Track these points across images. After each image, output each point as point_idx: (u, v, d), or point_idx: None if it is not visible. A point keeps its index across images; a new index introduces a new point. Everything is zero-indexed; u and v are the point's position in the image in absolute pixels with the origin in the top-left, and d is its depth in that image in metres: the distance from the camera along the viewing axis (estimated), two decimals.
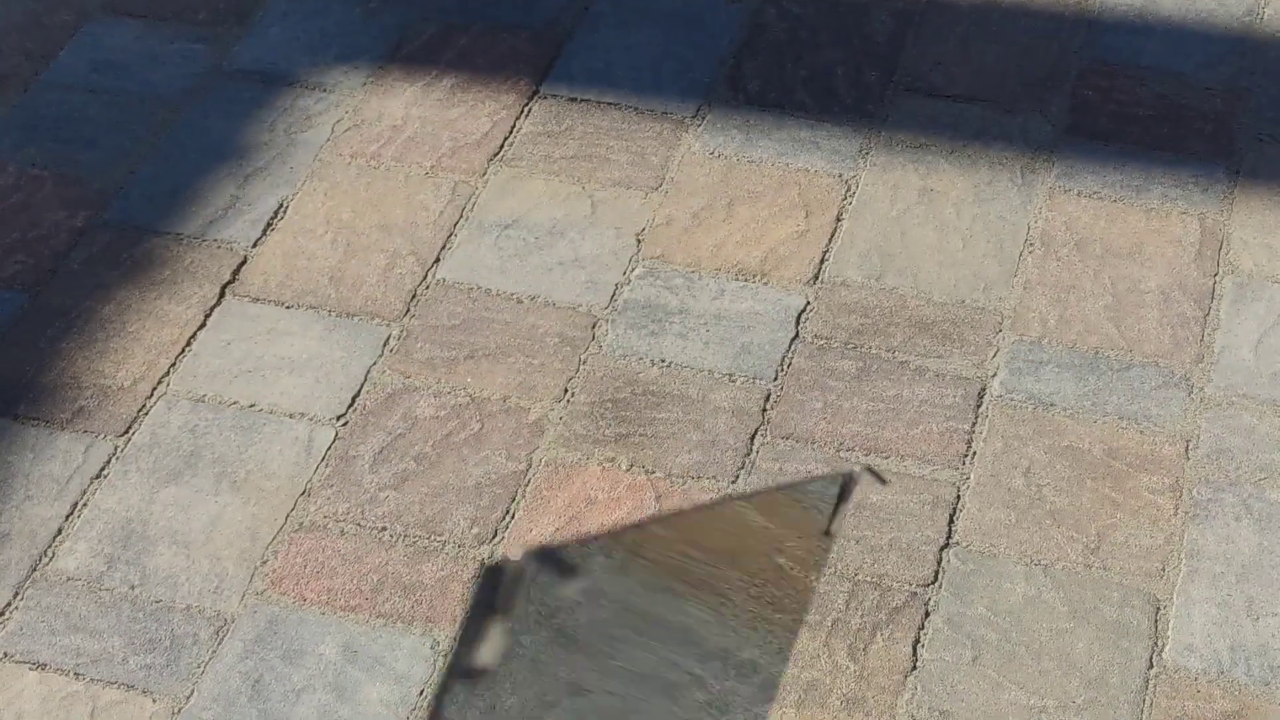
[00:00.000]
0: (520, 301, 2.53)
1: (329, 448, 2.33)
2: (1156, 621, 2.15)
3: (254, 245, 2.62)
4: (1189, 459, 2.32)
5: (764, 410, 2.37)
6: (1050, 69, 2.87)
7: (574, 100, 2.84)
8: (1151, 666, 2.11)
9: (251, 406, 2.39)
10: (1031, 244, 2.60)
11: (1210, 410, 2.38)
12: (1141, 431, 2.35)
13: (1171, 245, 2.60)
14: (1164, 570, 2.20)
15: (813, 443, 2.33)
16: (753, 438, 2.34)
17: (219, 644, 2.13)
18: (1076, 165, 2.72)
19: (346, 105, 2.83)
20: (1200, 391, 2.40)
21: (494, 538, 2.23)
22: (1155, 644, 2.13)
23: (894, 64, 2.89)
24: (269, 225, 2.65)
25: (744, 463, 2.31)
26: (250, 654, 2.12)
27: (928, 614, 2.15)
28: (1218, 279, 2.55)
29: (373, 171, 2.73)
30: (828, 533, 0.90)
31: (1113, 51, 2.90)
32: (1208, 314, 2.50)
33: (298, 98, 2.85)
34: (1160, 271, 2.56)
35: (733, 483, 2.29)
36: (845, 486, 0.91)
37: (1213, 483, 2.29)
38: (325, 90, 2.86)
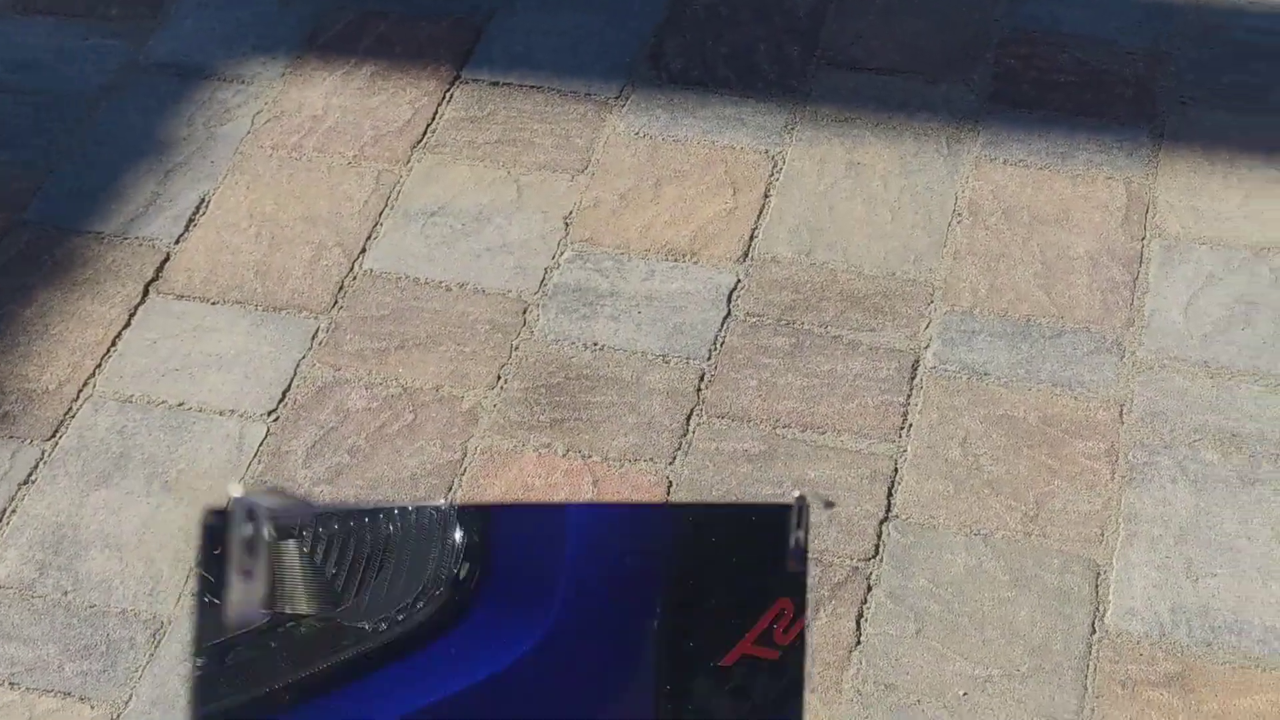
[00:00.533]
0: (449, 289, 2.50)
1: (261, 444, 2.31)
2: (1097, 586, 2.15)
3: (177, 242, 2.58)
4: (1123, 423, 2.33)
5: (699, 390, 2.36)
6: (971, 38, 2.87)
7: (496, 85, 2.81)
8: (1094, 632, 2.11)
9: (180, 405, 2.36)
10: (959, 214, 2.60)
11: (1142, 374, 2.39)
12: (1075, 398, 2.36)
13: (1098, 210, 2.60)
14: (1103, 535, 2.20)
15: (748, 421, 2.33)
16: (689, 418, 2.33)
17: (156, 647, 2.10)
18: (1001, 134, 2.72)
19: (265, 96, 2.80)
20: (1132, 355, 2.41)
21: None
22: (1097, 609, 2.13)
23: (815, 39, 2.88)
24: (191, 221, 2.61)
25: (680, 444, 2.30)
26: (189, 656, 2.09)
27: (870, 588, 2.15)
28: (1145, 243, 2.56)
29: (295, 163, 2.70)
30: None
31: (1033, 19, 2.90)
32: (1136, 278, 2.51)
33: (216, 90, 2.81)
34: (1088, 237, 2.57)
35: (670, 464, 2.28)
36: (799, 516, 0.91)
37: (1148, 446, 2.30)
38: (243, 82, 2.82)
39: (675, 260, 2.53)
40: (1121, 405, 2.35)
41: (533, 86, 2.81)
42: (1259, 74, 2.80)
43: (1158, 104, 2.76)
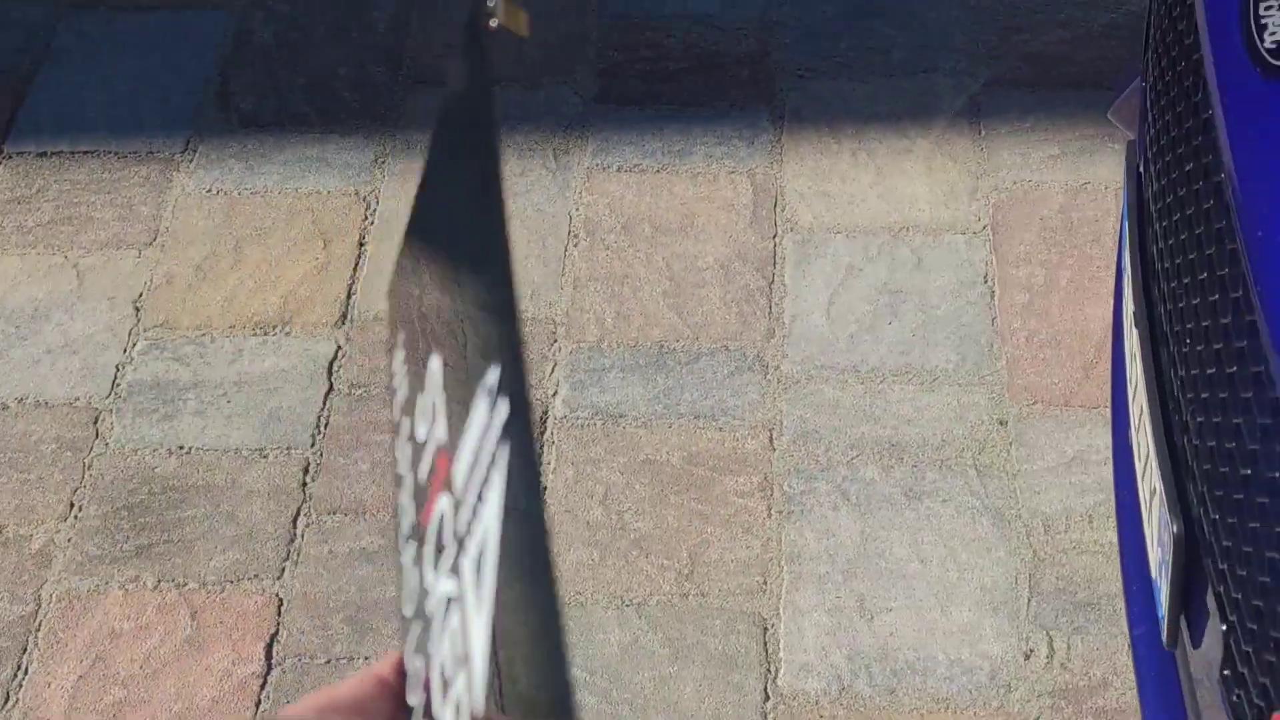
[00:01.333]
0: (6, 407, 2.18)
1: None
2: (766, 644, 1.94)
3: None
4: (775, 450, 2.12)
5: (304, 485, 2.09)
6: (569, 33, 2.63)
7: (44, 155, 2.48)
8: (768, 698, 1.90)
9: None
10: (575, 235, 2.36)
11: (789, 390, 2.18)
12: (720, 429, 2.14)
13: (724, 211, 2.39)
14: (765, 583, 1.99)
15: (363, 513, 2.06)
16: (295, 520, 2.05)
17: None
18: (611, 138, 2.48)
19: None
20: (776, 370, 2.20)
21: (6, 702, 1.90)
22: (768, 670, 1.92)
23: (399, 55, 2.60)
24: None
25: (289, 552, 2.02)
26: None
27: None
28: (778, 240, 2.35)
29: None
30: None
31: (634, 4, 2.66)
32: (772, 282, 2.30)
33: None
34: (717, 243, 2.35)
35: (278, 579, 2.00)
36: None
37: (804, 472, 2.09)
38: None
39: (264, 334, 2.25)
40: (770, 430, 2.14)
41: (86, 152, 2.48)
42: (877, 33, 2.61)
43: (775, 81, 2.55)
